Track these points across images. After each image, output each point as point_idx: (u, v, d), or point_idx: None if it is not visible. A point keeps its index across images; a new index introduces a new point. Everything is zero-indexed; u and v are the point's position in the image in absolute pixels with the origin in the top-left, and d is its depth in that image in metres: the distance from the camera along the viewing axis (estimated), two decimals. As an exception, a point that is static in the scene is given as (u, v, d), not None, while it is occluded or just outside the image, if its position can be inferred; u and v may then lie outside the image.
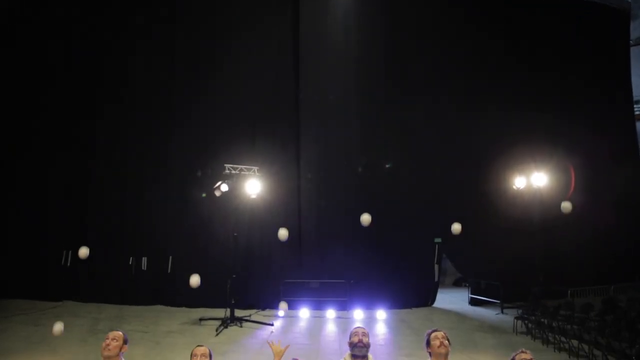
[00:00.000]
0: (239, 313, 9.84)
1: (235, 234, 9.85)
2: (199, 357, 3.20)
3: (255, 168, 9.88)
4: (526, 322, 9.16)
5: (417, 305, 11.59)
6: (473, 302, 12.06)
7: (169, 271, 11.19)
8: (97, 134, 11.56)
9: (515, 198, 11.41)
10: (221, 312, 9.67)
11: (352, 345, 3.18)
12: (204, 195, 10.54)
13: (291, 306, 10.52)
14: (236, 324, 9.57)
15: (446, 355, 3.13)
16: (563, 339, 8.03)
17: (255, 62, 11.41)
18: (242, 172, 9.68)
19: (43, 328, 9.06)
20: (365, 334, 3.21)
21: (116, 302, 11.06)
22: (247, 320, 9.70)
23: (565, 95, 11.84)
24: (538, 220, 11.13)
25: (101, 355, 3.14)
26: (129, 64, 11.55)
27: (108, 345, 3.14)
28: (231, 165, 9.63)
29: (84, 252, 3.17)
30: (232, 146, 10.59)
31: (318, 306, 10.83)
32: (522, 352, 3.07)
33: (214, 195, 9.43)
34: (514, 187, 11.36)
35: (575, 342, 7.84)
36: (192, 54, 11.67)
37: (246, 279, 10.45)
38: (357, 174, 11.19)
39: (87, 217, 11.57)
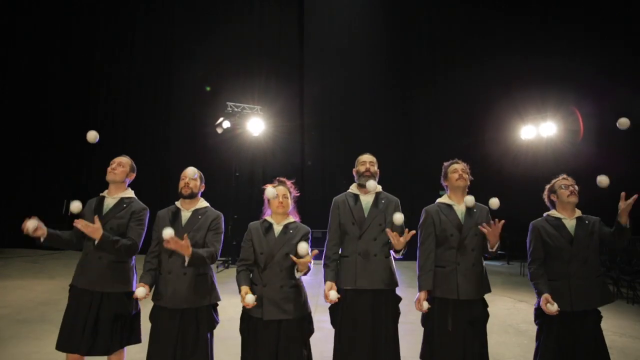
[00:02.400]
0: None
1: (237, 174, 9.64)
2: (187, 179, 2.86)
3: (258, 107, 9.64)
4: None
5: (413, 260, 11.39)
6: (478, 256, 11.84)
7: (170, 219, 11.00)
8: (96, 80, 11.32)
9: (523, 148, 11.17)
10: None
11: (359, 174, 2.95)
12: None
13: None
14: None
15: (464, 188, 2.91)
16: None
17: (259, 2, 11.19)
18: (244, 111, 9.46)
19: (41, 265, 8.99)
20: (372, 163, 2.96)
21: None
22: (248, 262, 9.55)
23: (575, 37, 11.38)
24: (546, 171, 10.87)
25: (106, 180, 2.91)
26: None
27: (114, 169, 2.85)
28: (233, 104, 9.42)
29: (76, 205, 2.63)
30: (235, 83, 10.33)
31: (320, 256, 10.63)
32: (564, 178, 2.87)
33: (216, 133, 9.20)
34: (522, 137, 11.12)
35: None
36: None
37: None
38: (361, 118, 10.93)
39: (88, 165, 11.41)
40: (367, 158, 2.99)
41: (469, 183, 2.95)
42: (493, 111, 11.38)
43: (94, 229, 2.57)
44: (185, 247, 2.44)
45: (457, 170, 2.91)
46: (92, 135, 2.87)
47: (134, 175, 2.99)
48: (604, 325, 2.52)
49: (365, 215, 2.84)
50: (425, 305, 2.66)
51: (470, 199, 2.61)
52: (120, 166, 2.88)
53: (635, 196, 2.54)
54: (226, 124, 9.07)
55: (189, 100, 10.86)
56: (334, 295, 2.60)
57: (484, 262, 2.88)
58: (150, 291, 2.57)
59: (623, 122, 2.70)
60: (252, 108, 9.55)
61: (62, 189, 11.24)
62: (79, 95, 11.10)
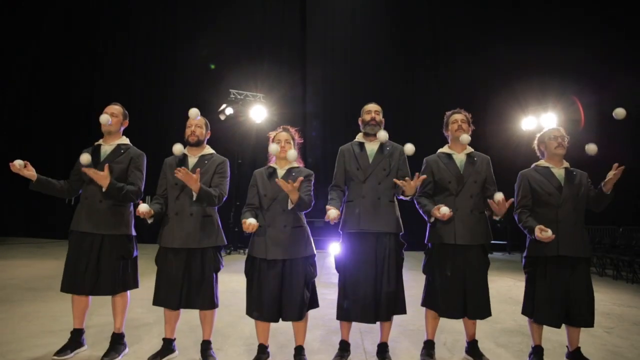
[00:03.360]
0: (242, 247, 9.73)
1: (239, 161, 9.70)
2: (193, 127, 2.96)
3: (261, 95, 9.72)
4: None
5: (420, 249, 11.41)
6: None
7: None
8: (97, 66, 11.38)
9: (524, 139, 11.19)
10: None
11: (365, 123, 2.98)
12: None
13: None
14: (239, 252, 9.51)
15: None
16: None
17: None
18: (247, 98, 9.54)
19: (45, 249, 9.06)
20: (377, 112, 2.98)
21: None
22: (250, 248, 9.60)
23: (575, 27, 11.38)
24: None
25: (102, 131, 3.00)
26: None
27: (108, 120, 2.96)
28: (236, 91, 9.50)
29: (86, 158, 2.64)
30: (237, 70, 10.37)
31: (321, 246, 10.67)
32: (555, 129, 2.90)
33: (219, 119, 9.26)
34: (522, 128, 11.15)
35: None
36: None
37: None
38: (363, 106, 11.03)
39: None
40: (372, 107, 3.00)
41: (469, 132, 2.99)
42: (493, 103, 11.42)
43: (102, 176, 2.66)
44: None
45: (457, 120, 2.95)
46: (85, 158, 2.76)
47: (127, 123, 3.08)
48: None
49: (370, 161, 2.88)
50: (445, 209, 2.65)
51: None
52: (114, 116, 2.95)
53: (622, 167, 2.58)
54: (229, 111, 9.15)
55: (191, 86, 10.88)
56: (334, 213, 2.62)
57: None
58: (152, 214, 2.62)
59: (619, 113, 2.74)
60: (254, 95, 9.63)
61: (65, 177, 11.30)
62: (79, 80, 11.18)
